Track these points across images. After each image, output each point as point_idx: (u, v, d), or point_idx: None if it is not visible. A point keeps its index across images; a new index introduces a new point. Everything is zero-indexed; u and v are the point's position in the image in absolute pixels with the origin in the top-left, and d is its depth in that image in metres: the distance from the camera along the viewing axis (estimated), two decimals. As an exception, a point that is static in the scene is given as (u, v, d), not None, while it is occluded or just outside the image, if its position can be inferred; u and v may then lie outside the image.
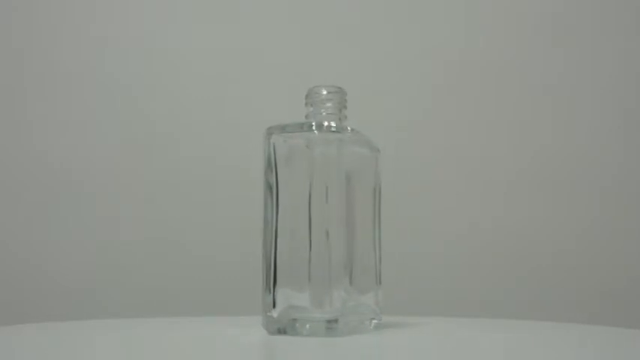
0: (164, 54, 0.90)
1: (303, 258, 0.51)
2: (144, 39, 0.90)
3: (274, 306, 0.51)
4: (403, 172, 0.88)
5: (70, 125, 0.89)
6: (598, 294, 0.86)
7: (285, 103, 0.89)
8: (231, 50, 0.90)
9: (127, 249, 0.88)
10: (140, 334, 0.53)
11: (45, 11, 0.90)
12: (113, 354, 0.43)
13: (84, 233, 0.88)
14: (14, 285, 0.87)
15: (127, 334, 0.53)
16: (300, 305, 0.51)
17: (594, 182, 0.88)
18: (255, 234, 0.86)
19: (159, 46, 0.90)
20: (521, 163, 0.88)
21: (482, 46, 0.90)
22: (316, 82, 0.89)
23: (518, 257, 0.87)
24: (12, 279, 0.87)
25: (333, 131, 0.52)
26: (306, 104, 0.55)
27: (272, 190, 0.52)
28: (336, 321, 0.50)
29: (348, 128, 0.53)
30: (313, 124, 0.52)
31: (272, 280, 0.52)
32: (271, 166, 0.53)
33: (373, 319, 0.55)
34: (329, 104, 0.54)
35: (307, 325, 0.50)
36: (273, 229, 0.52)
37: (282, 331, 0.51)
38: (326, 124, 0.52)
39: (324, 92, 0.55)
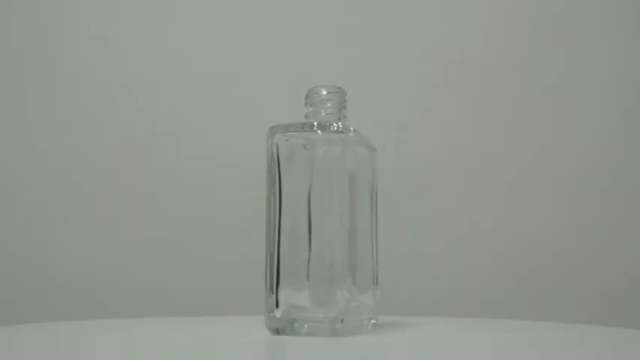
0: (164, 54, 0.90)
1: (303, 258, 0.51)
2: (144, 39, 0.90)
3: (277, 306, 0.51)
4: (403, 172, 0.88)
5: (70, 125, 0.89)
6: (598, 294, 0.86)
7: (285, 103, 0.89)
8: (231, 50, 0.90)
9: (127, 249, 0.88)
10: (140, 334, 0.53)
11: (45, 11, 0.90)
12: (113, 354, 0.43)
13: (84, 233, 0.88)
14: (14, 285, 0.87)
15: (127, 334, 0.53)
16: (301, 305, 0.51)
17: (594, 182, 0.88)
18: (255, 234, 0.86)
19: (159, 46, 0.90)
20: (521, 163, 0.88)
21: (482, 46, 0.90)
22: (316, 82, 0.88)
23: (518, 257, 0.87)
24: (12, 279, 0.87)
25: (336, 131, 0.52)
26: (306, 104, 0.55)
27: (275, 189, 0.52)
28: (341, 321, 0.50)
29: (351, 128, 0.53)
30: (315, 124, 0.52)
31: (275, 280, 0.52)
32: (274, 165, 0.53)
33: (371, 319, 0.55)
34: (329, 104, 0.54)
35: (305, 325, 0.50)
36: (276, 228, 0.52)
37: (282, 331, 0.51)
38: (331, 124, 0.52)
39: (324, 92, 0.55)
